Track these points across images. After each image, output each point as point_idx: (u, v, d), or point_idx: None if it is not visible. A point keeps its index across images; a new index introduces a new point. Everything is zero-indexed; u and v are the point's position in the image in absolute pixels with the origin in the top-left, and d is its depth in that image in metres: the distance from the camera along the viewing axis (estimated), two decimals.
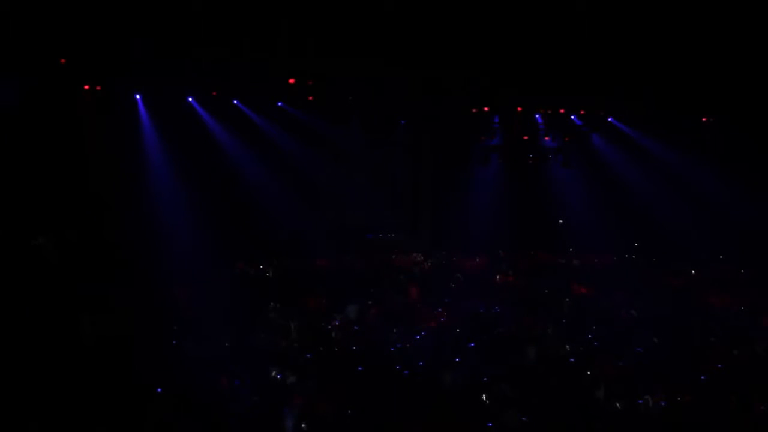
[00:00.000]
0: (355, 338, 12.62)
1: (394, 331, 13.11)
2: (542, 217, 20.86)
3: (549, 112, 19.74)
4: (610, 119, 20.65)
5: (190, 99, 17.80)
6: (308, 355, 11.35)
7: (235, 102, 18.47)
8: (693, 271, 18.78)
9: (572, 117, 20.39)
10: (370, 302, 15.13)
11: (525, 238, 20.35)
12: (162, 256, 15.28)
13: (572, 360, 11.57)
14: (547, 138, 19.92)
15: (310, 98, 18.35)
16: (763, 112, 16.93)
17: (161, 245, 15.84)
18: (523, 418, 9.05)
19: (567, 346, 12.22)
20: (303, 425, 8.75)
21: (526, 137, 20.24)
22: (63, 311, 11.95)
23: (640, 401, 9.61)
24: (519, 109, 19.49)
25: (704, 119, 19.90)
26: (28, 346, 10.35)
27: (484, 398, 9.67)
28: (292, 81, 16.80)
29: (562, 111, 20.00)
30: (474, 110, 19.76)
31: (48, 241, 15.31)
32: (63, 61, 14.12)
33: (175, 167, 17.39)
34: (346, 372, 10.72)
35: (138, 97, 17.11)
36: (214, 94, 17.66)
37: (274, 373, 10.22)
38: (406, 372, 10.72)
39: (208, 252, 16.06)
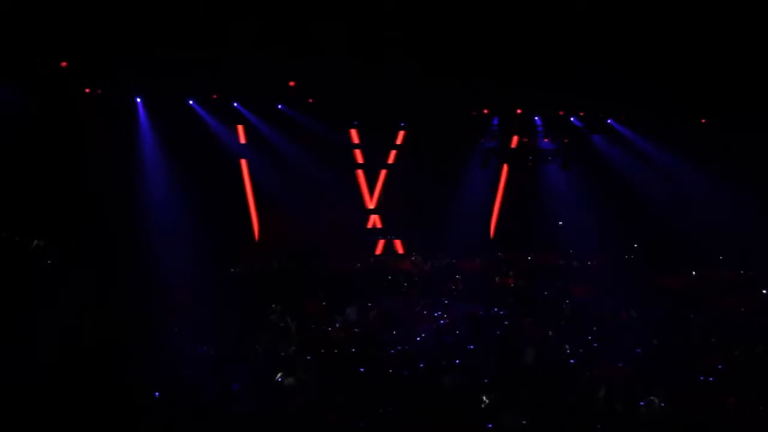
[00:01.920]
0: (355, 340, 12.64)
1: (394, 332, 13.14)
2: (541, 218, 20.86)
3: (546, 113, 19.79)
4: (609, 121, 20.70)
5: (191, 102, 17.85)
6: (308, 357, 11.37)
7: (235, 104, 18.52)
8: (693, 272, 18.81)
9: (572, 119, 20.43)
10: (369, 304, 15.16)
11: (524, 239, 20.38)
12: (160, 259, 15.27)
13: (571, 362, 11.57)
14: (546, 140, 19.92)
15: (310, 101, 18.42)
16: (763, 112, 16.94)
17: (159, 248, 15.83)
18: (523, 422, 9.06)
19: (567, 348, 12.24)
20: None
21: (525, 139, 20.25)
22: (60, 313, 11.95)
23: (642, 403, 9.61)
24: (518, 111, 19.54)
25: (703, 120, 19.93)
26: (26, 347, 10.37)
27: (484, 399, 9.68)
28: (292, 84, 16.86)
29: (561, 113, 20.04)
30: (473, 112, 19.81)
31: (46, 243, 15.34)
32: (64, 64, 14.17)
33: (174, 169, 17.40)
34: (347, 373, 10.75)
35: (138, 100, 17.15)
36: (215, 96, 17.72)
37: (278, 376, 10.25)
38: (405, 372, 10.74)
39: (207, 254, 16.09)
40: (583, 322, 14.00)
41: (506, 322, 13.84)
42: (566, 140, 19.51)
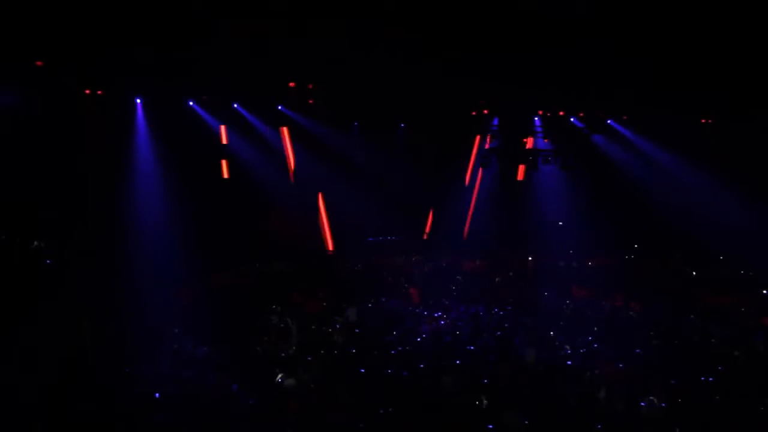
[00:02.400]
0: (356, 340, 12.65)
1: (394, 333, 13.15)
2: (540, 219, 20.86)
3: (548, 114, 19.79)
4: (609, 121, 20.70)
5: (191, 102, 17.83)
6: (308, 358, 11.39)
7: (235, 105, 18.52)
8: (693, 273, 18.85)
9: (572, 119, 20.42)
10: (370, 305, 15.18)
11: (524, 240, 20.39)
12: (158, 259, 15.25)
13: (570, 363, 11.57)
14: (546, 140, 19.90)
15: (311, 101, 18.44)
16: (762, 114, 16.95)
17: (157, 248, 15.80)
18: (526, 422, 9.07)
19: (567, 348, 12.26)
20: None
21: (525, 139, 20.24)
22: (60, 313, 11.97)
23: (643, 403, 9.62)
24: (519, 111, 19.53)
25: (703, 120, 19.95)
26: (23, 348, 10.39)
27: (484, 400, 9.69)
28: (292, 84, 16.85)
29: (561, 113, 20.04)
30: (474, 113, 19.81)
31: (45, 244, 15.34)
32: (64, 65, 14.15)
33: (173, 169, 17.38)
34: (347, 374, 10.76)
35: (138, 101, 17.13)
36: (214, 96, 17.71)
37: (279, 377, 10.26)
38: (405, 373, 10.75)
39: (206, 255, 16.09)
40: (583, 323, 14.03)
41: (506, 325, 13.84)
42: (565, 141, 19.54)
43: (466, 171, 21.59)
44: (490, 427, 8.96)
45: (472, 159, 21.62)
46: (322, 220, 20.19)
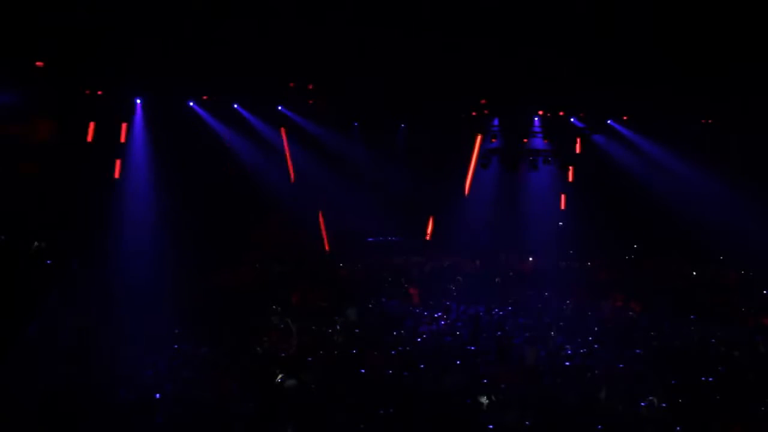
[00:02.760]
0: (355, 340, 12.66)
1: (394, 333, 13.15)
2: (540, 220, 20.83)
3: (548, 114, 19.76)
4: (609, 121, 20.68)
5: (191, 103, 17.83)
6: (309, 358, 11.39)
7: (235, 106, 18.52)
8: (693, 273, 18.83)
9: (572, 119, 20.40)
10: (370, 305, 15.17)
11: (523, 241, 20.36)
12: (152, 260, 15.24)
13: (570, 363, 11.57)
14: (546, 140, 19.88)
15: (310, 102, 18.44)
16: (763, 114, 16.94)
17: (151, 249, 15.79)
18: (526, 422, 9.07)
19: (568, 348, 12.27)
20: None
21: (525, 140, 20.22)
22: (57, 313, 11.97)
23: (643, 403, 9.63)
24: (518, 111, 19.51)
25: (703, 121, 19.93)
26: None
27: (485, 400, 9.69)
28: (292, 85, 16.86)
29: (561, 113, 20.02)
30: (474, 113, 19.80)
31: (46, 245, 15.35)
32: (64, 65, 14.15)
33: (173, 170, 17.36)
34: (347, 374, 10.77)
35: (138, 101, 17.12)
36: (214, 97, 17.70)
37: (279, 378, 10.27)
38: (405, 373, 10.75)
39: (206, 256, 16.08)
40: (583, 323, 14.03)
41: (506, 326, 13.84)
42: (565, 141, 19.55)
43: (466, 172, 21.53)
44: (491, 427, 8.96)
45: (473, 161, 21.55)
46: (320, 221, 20.21)
